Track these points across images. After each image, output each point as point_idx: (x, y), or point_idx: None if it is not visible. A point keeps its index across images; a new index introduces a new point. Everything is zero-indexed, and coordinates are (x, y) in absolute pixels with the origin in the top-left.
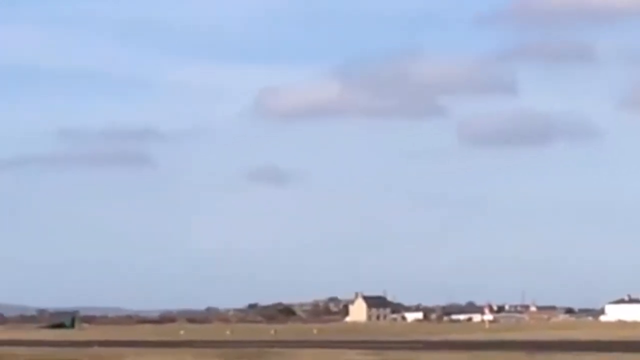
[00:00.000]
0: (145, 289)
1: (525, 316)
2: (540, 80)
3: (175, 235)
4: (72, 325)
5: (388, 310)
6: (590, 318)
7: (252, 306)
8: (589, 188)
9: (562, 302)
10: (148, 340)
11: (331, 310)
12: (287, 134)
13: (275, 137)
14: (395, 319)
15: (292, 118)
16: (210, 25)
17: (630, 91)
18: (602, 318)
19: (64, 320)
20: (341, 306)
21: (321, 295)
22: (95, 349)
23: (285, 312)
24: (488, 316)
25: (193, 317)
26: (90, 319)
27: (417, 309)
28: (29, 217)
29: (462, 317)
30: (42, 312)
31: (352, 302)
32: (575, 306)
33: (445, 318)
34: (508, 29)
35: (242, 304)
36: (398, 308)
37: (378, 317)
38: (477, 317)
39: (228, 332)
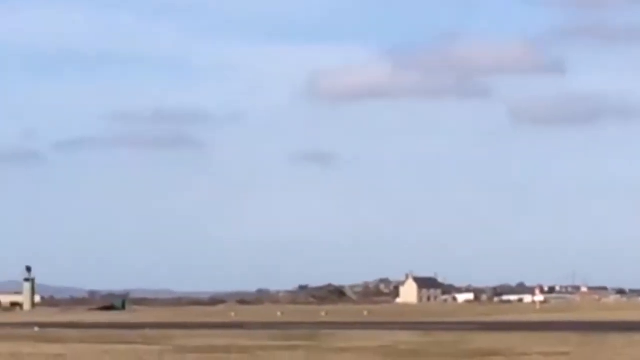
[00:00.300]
0: (195, 271)
1: (576, 297)
2: (591, 60)
3: (225, 218)
4: (123, 308)
5: (439, 291)
6: None
7: (303, 288)
8: None
9: (614, 283)
10: (199, 322)
11: (382, 291)
12: (337, 116)
13: (325, 119)
14: (446, 300)
15: (342, 100)
16: (262, 7)
17: None
18: None
19: (114, 302)
20: (392, 287)
21: (372, 277)
22: (147, 331)
23: (335, 293)
24: (539, 297)
25: (244, 299)
26: (140, 301)
27: (467, 290)
28: (82, 199)
29: (512, 298)
30: (93, 294)
31: (402, 283)
32: (627, 287)
33: (496, 299)
34: (558, 8)
35: (292, 285)
36: (449, 289)
37: (429, 299)
38: (527, 298)
39: (279, 314)
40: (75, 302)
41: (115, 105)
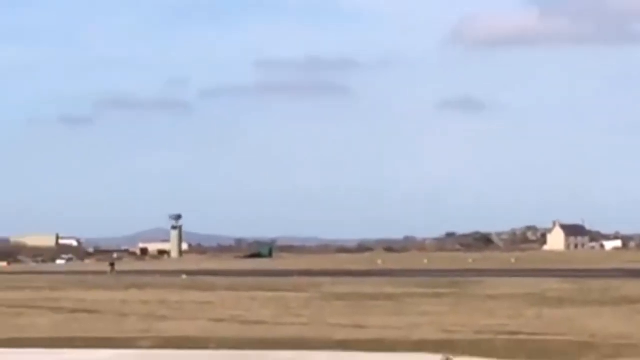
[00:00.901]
0: (342, 218)
1: None
2: None
3: (373, 165)
4: (270, 255)
5: (586, 238)
6: None
7: (450, 235)
8: None
9: None
10: (346, 269)
11: (529, 238)
12: (485, 63)
13: (473, 65)
14: (593, 248)
15: (490, 46)
16: None
17: None
18: None
19: (261, 250)
20: (539, 235)
21: (519, 224)
22: (295, 278)
23: (482, 240)
24: None
25: (390, 246)
26: (287, 249)
27: (615, 237)
28: (229, 148)
29: None
30: (239, 242)
31: (550, 230)
32: None
33: None
34: None
35: (439, 233)
36: (596, 236)
37: (576, 246)
38: None
39: (425, 261)
40: (222, 249)
41: (264, 52)
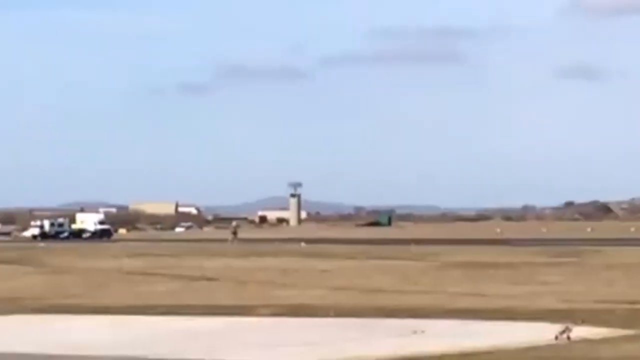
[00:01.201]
0: (461, 187)
1: None
2: None
3: (491, 133)
4: (389, 223)
5: None
6: None
7: (569, 204)
8: None
9: None
10: (464, 238)
11: None
12: (602, 31)
13: (590, 33)
14: None
15: (607, 14)
16: None
17: None
18: None
19: (380, 218)
20: None
21: (639, 193)
22: (413, 247)
23: (601, 209)
24: None
25: (508, 215)
26: (406, 217)
27: None
28: (348, 116)
29: None
30: (358, 210)
31: None
32: None
33: None
34: None
35: (558, 202)
36: None
37: None
38: None
39: (544, 230)
40: (341, 218)
41: (380, 21)
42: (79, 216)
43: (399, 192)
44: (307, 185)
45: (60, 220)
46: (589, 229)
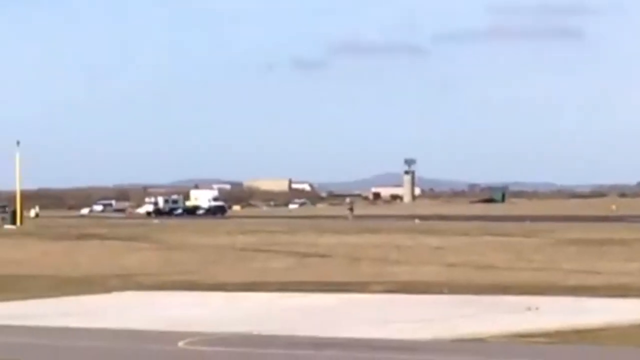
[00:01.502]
0: (576, 163)
1: None
2: None
3: (607, 109)
4: (503, 200)
5: None
6: None
7: None
8: None
9: None
10: (579, 215)
11: None
12: None
13: None
14: None
15: None
16: None
17: None
18: None
19: (494, 195)
20: None
21: None
22: (527, 224)
23: None
24: None
25: (624, 192)
26: (519, 194)
27: None
28: (459, 92)
29: None
30: (472, 187)
31: None
32: None
33: None
34: None
35: None
36: None
37: None
38: None
39: None
40: (454, 194)
41: None
42: (193, 193)
43: (514, 169)
44: (421, 162)
45: (174, 197)
46: None
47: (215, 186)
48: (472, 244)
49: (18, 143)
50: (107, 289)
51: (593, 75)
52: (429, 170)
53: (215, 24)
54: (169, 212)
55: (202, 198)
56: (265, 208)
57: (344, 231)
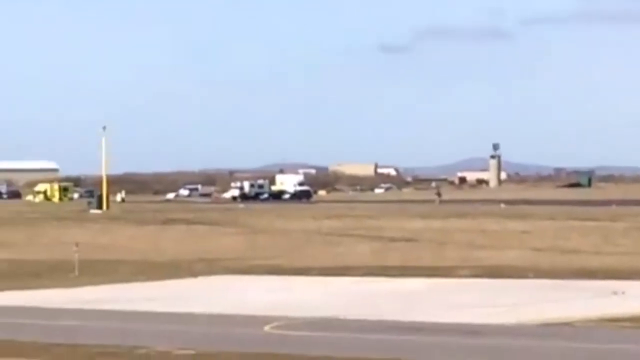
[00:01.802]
0: None
1: None
2: None
3: None
4: (589, 184)
5: None
6: None
7: None
8: None
9: None
10: None
11: None
12: None
13: None
14: None
15: None
16: None
17: None
18: None
19: (580, 179)
20: None
21: None
22: (614, 208)
23: None
24: None
25: None
26: (606, 178)
27: None
28: (549, 77)
29: None
30: (558, 171)
31: None
32: None
33: None
34: None
35: None
36: None
37: None
38: None
39: None
40: (541, 179)
41: None
42: (279, 177)
43: (600, 153)
44: (507, 146)
45: (260, 181)
46: None
47: (300, 171)
48: (557, 229)
49: (104, 128)
50: (193, 274)
51: None
52: (515, 154)
53: (302, 11)
54: (255, 197)
55: (287, 183)
56: (351, 193)
57: (430, 216)
